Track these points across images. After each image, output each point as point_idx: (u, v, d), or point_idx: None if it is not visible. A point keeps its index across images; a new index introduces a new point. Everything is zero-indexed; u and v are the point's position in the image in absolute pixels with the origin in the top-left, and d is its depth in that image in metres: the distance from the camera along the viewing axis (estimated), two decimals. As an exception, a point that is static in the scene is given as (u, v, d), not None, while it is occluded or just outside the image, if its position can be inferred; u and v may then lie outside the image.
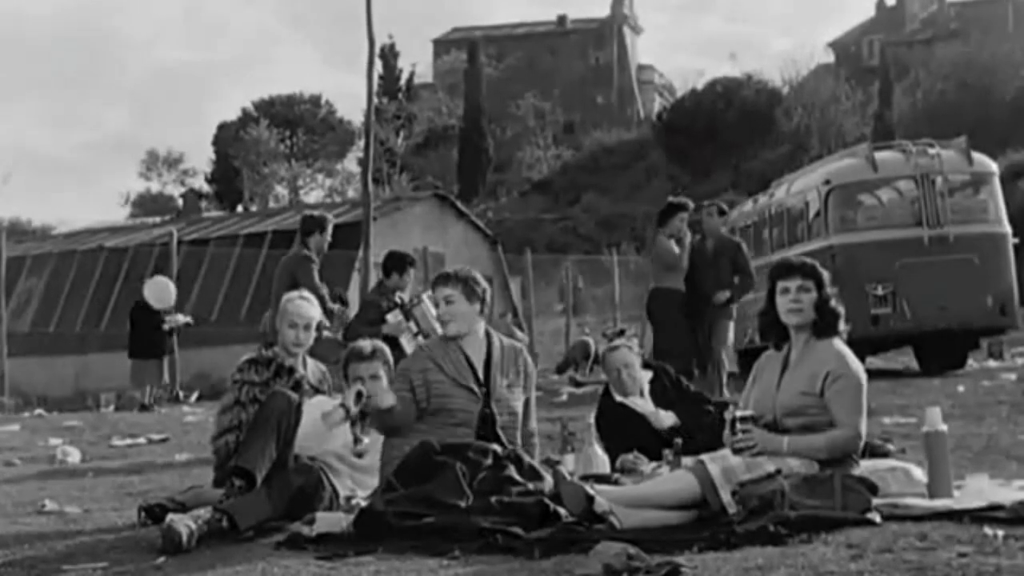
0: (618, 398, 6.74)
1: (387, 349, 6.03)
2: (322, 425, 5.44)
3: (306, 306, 6.19)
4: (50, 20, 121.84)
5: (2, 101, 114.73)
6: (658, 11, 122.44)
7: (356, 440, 5.57)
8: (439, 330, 5.74)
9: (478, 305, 5.46)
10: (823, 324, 4.88)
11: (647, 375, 6.84)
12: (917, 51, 58.93)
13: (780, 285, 4.93)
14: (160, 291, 15.93)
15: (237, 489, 5.10)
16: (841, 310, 4.92)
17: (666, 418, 6.46)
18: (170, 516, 4.82)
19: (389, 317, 8.98)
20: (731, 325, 11.22)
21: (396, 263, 9.26)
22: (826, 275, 4.95)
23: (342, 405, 5.49)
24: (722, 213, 11.54)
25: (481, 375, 5.41)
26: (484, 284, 5.54)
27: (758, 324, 5.11)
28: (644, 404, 6.63)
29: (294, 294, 6.46)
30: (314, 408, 5.59)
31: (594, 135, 60.95)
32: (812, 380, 4.78)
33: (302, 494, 5.14)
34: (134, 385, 16.04)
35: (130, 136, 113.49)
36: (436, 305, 5.52)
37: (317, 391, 6.03)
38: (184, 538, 4.58)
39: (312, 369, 6.16)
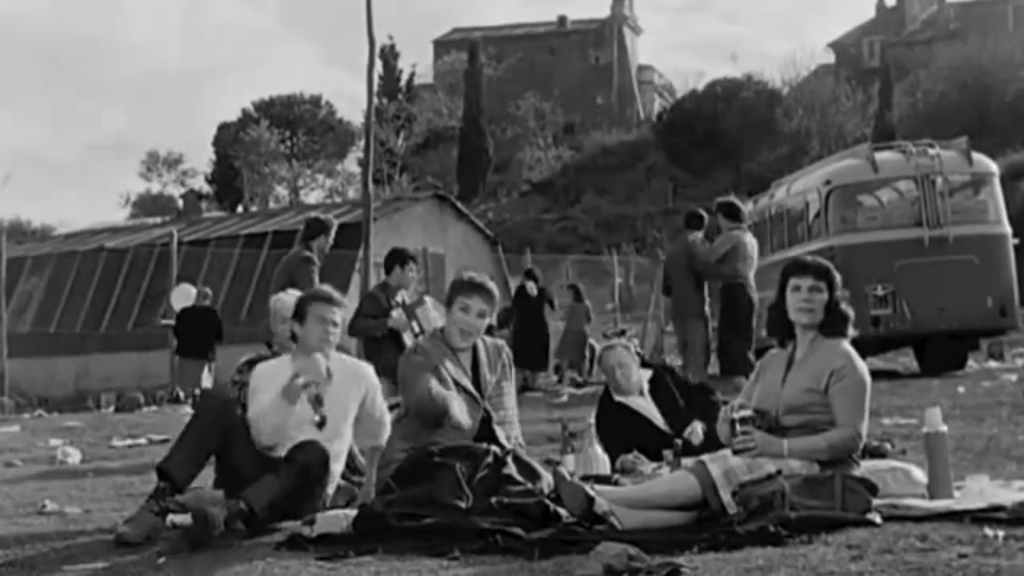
0: (617, 398, 6.73)
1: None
2: (283, 403, 5.16)
3: (294, 300, 6.20)
4: (50, 21, 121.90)
5: (2, 102, 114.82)
6: (658, 12, 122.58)
7: (315, 410, 5.25)
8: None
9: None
10: (831, 325, 4.88)
11: (646, 374, 6.84)
12: (917, 52, 58.99)
13: (792, 283, 4.92)
14: (183, 295, 16.44)
15: (162, 491, 4.98)
16: (851, 313, 4.90)
17: (696, 435, 6.35)
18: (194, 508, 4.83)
19: (393, 314, 9.02)
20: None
21: (396, 258, 9.31)
22: (838, 277, 4.94)
23: (295, 377, 5.16)
24: (692, 221, 11.41)
25: (470, 375, 5.42)
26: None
27: (766, 318, 5.11)
28: (647, 407, 6.63)
29: (281, 293, 6.49)
30: (267, 378, 5.36)
31: (594, 136, 60.95)
32: (817, 377, 4.78)
33: (308, 471, 5.08)
34: (179, 384, 16.26)
35: (130, 137, 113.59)
36: (465, 311, 5.35)
37: None
38: (220, 521, 4.63)
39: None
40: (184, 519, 5.12)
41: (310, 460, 5.03)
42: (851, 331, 4.90)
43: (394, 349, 8.60)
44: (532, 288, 16.44)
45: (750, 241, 10.91)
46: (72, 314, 27.67)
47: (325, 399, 5.20)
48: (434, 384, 5.17)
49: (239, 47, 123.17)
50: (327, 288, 5.59)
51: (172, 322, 17.09)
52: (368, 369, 5.57)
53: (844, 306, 4.90)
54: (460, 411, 5.16)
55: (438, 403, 5.14)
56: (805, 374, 4.83)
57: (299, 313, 5.39)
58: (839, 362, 4.78)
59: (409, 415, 5.34)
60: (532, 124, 60.98)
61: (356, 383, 5.44)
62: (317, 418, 5.18)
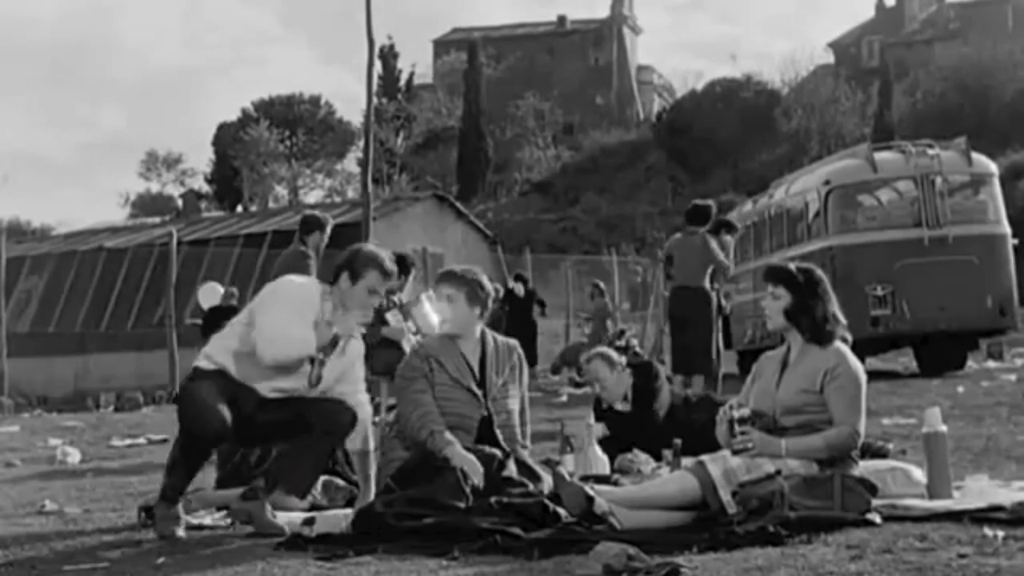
0: (604, 404, 6.83)
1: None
2: (311, 331, 4.99)
3: None
4: (50, 22, 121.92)
5: (2, 102, 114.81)
6: (658, 12, 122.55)
7: (313, 369, 5.11)
8: (436, 330, 5.71)
9: (479, 309, 5.42)
10: (809, 332, 4.85)
11: (628, 380, 6.86)
12: (917, 52, 58.98)
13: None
14: (210, 293, 16.65)
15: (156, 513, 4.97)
16: (822, 316, 4.84)
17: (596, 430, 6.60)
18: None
19: (388, 316, 9.01)
20: None
21: (401, 266, 9.31)
22: (812, 278, 4.89)
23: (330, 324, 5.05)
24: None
25: (477, 374, 5.40)
26: (490, 289, 5.48)
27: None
28: (626, 414, 6.70)
29: None
30: (297, 297, 5.11)
31: (594, 136, 60.94)
32: (812, 378, 4.78)
33: (345, 435, 5.11)
34: None
35: (130, 136, 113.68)
36: (440, 299, 5.44)
37: None
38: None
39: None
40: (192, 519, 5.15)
41: (347, 424, 5.06)
42: (818, 338, 4.84)
43: (393, 350, 8.61)
44: (519, 289, 17.65)
45: (682, 244, 10.65)
46: (71, 314, 27.66)
47: (325, 371, 5.09)
48: (438, 437, 5.12)
49: (239, 47, 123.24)
50: (388, 256, 5.28)
51: (199, 321, 17.21)
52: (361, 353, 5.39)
53: (819, 311, 4.84)
54: (459, 457, 5.05)
55: (428, 444, 5.13)
56: (799, 375, 4.83)
57: (352, 270, 5.11)
58: (832, 362, 4.78)
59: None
60: (532, 124, 60.97)
61: (351, 356, 5.25)
62: (313, 378, 5.07)
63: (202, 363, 5.03)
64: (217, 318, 16.24)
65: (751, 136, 51.95)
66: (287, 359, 4.95)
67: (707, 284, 10.47)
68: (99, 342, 26.57)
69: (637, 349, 16.25)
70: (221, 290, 16.84)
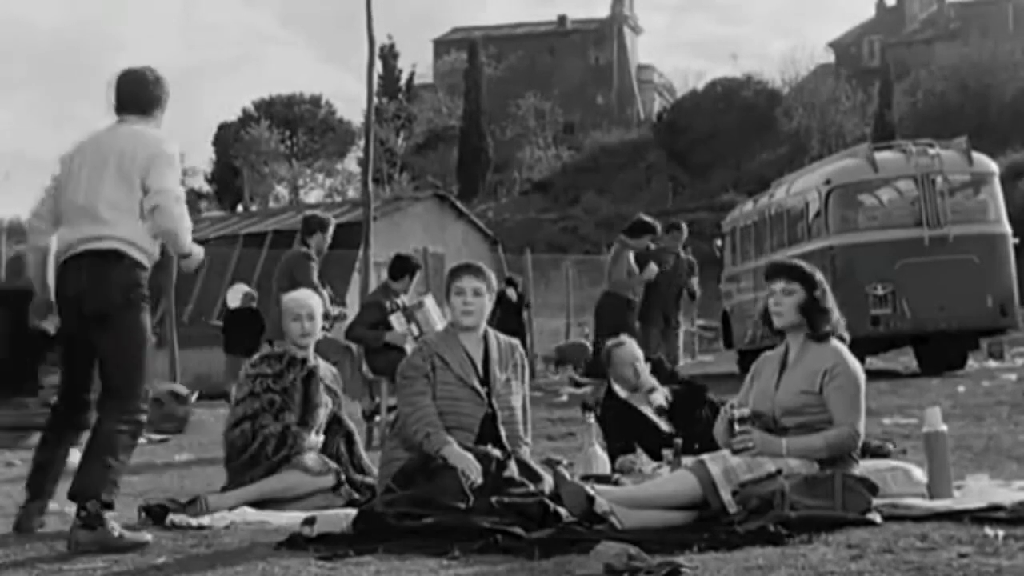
0: (623, 395, 6.74)
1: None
2: None
3: (304, 295, 6.28)
4: (49, 23, 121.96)
5: (1, 101, 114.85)
6: (658, 11, 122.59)
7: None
8: (439, 329, 5.72)
9: (491, 303, 5.49)
10: (811, 327, 4.86)
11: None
12: (917, 51, 58.99)
13: (768, 287, 4.96)
14: (236, 294, 16.86)
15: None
16: (832, 314, 4.88)
17: (657, 397, 6.57)
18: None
19: (392, 319, 9.03)
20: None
21: (405, 267, 9.34)
22: (818, 277, 4.91)
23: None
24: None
25: (480, 371, 5.39)
26: (495, 287, 5.58)
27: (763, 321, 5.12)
28: (654, 393, 6.64)
29: (292, 292, 6.55)
30: None
31: (594, 135, 60.94)
32: (811, 379, 4.78)
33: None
34: (227, 380, 16.48)
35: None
36: (460, 294, 5.38)
37: (330, 390, 6.08)
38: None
39: (324, 368, 6.19)
40: (183, 519, 5.15)
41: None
42: (832, 328, 4.85)
43: (395, 351, 8.62)
44: (512, 295, 17.99)
45: (611, 255, 11.64)
46: (72, 314, 27.61)
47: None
48: (439, 441, 5.12)
49: (239, 47, 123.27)
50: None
51: (220, 322, 17.43)
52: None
53: (829, 306, 4.87)
54: (457, 457, 5.06)
55: (424, 446, 5.13)
56: (799, 376, 4.82)
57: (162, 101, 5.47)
58: (831, 362, 4.78)
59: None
60: (532, 124, 60.97)
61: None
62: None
63: (135, 254, 5.17)
64: (238, 320, 16.36)
65: (751, 136, 51.96)
66: (184, 229, 5.16)
67: (618, 291, 11.26)
68: (99, 342, 26.52)
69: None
70: (244, 291, 16.97)
